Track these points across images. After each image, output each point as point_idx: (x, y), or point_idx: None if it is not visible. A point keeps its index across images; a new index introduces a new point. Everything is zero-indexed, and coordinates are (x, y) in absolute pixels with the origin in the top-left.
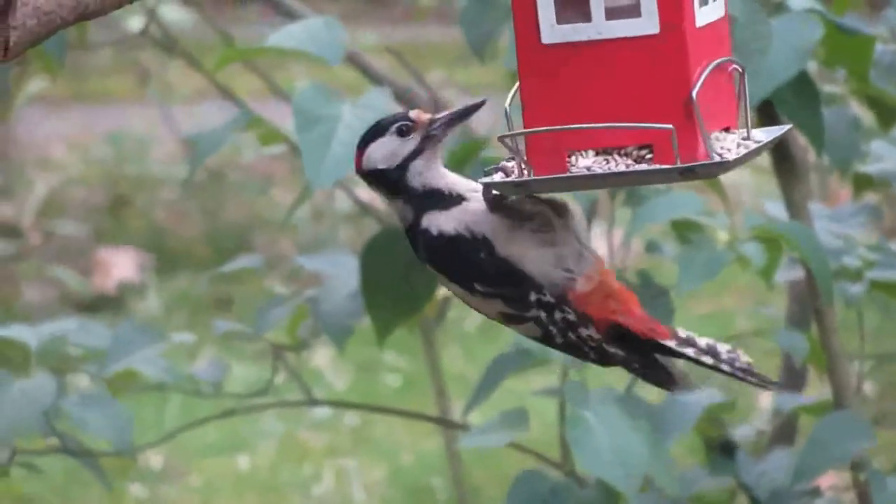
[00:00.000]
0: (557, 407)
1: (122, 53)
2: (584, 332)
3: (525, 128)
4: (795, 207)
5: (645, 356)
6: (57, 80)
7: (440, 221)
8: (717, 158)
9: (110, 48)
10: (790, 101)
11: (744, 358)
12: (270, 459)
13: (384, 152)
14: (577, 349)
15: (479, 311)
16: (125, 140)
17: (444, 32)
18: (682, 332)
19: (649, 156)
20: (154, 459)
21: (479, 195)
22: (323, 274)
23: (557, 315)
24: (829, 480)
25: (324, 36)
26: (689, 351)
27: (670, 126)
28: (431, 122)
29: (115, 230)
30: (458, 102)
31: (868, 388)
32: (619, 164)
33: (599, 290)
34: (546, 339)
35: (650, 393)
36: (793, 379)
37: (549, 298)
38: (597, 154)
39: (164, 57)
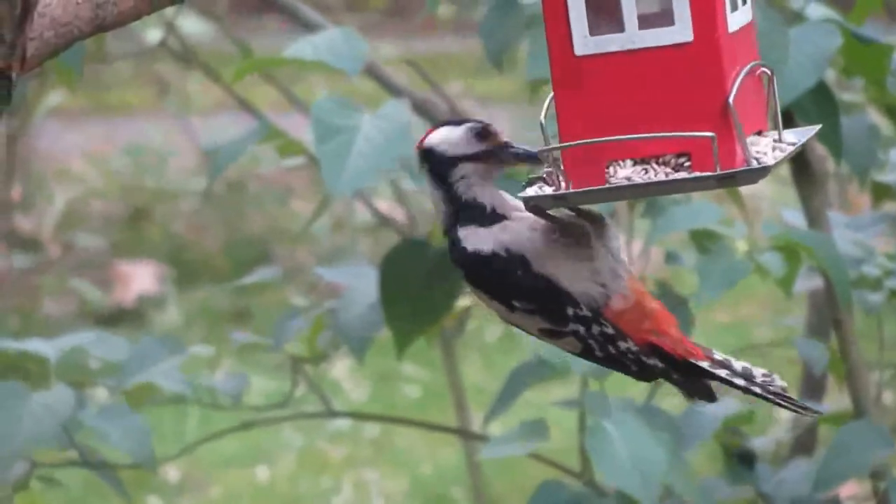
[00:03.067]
0: (577, 417)
1: (140, 66)
2: (622, 345)
3: (561, 139)
4: (814, 216)
5: (684, 371)
6: (76, 93)
7: (477, 239)
8: (755, 164)
9: (129, 60)
10: (809, 109)
11: (779, 382)
12: (290, 471)
13: (448, 137)
14: (619, 363)
15: (520, 329)
16: (144, 152)
17: (462, 43)
18: (719, 355)
19: (687, 163)
20: (172, 472)
21: (522, 215)
22: (342, 285)
23: (595, 329)
24: (849, 490)
25: (342, 47)
26: (723, 373)
27: (711, 133)
28: (506, 143)
29: (135, 243)
30: (476, 113)
31: (888, 396)
32: (658, 174)
33: (634, 309)
34: (587, 354)
35: (669, 403)
36: (812, 388)
37: (585, 312)
38: (634, 164)
39: (182, 69)
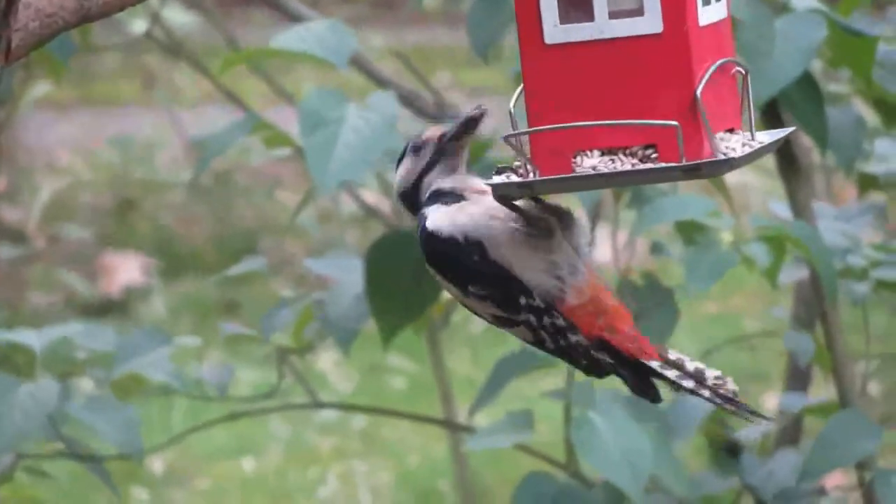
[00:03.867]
0: (563, 409)
1: (128, 57)
2: (572, 338)
3: (529, 128)
4: (800, 207)
5: (633, 369)
6: (63, 85)
7: (438, 218)
8: (723, 157)
9: (117, 52)
10: (795, 101)
11: (730, 386)
12: (277, 463)
13: (402, 173)
14: (569, 356)
15: (475, 313)
16: (131, 144)
17: (451, 35)
18: (672, 354)
19: (654, 155)
20: (159, 464)
21: (482, 197)
22: (329, 277)
23: (546, 320)
24: (834, 480)
25: (330, 39)
26: (671, 374)
27: (675, 123)
28: (442, 136)
29: (122, 234)
30: (465, 104)
31: (874, 388)
32: (624, 164)
33: (589, 305)
34: (538, 344)
35: None
36: (798, 380)
37: (538, 303)
38: (602, 154)
39: (170, 61)
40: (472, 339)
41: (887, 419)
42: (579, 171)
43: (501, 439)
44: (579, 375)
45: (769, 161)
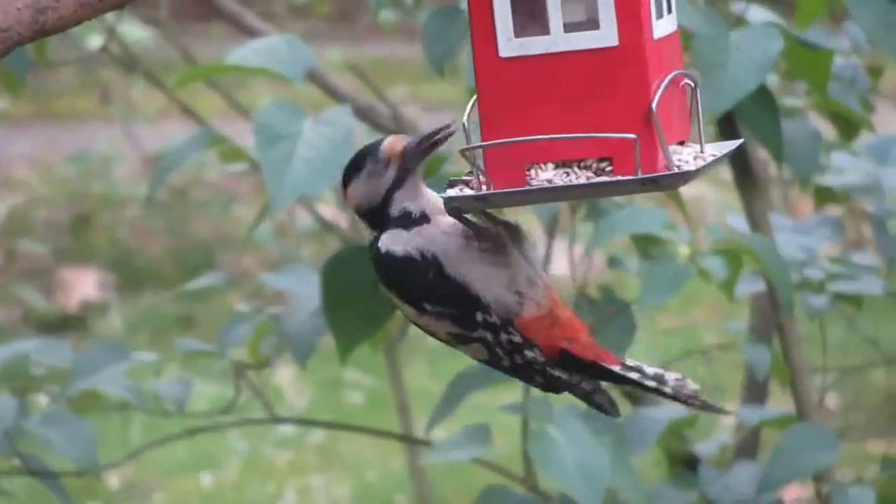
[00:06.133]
0: (521, 422)
1: (85, 72)
2: (529, 354)
3: (483, 141)
4: (757, 220)
5: (590, 381)
6: (19, 99)
7: (392, 241)
8: (677, 170)
9: (74, 67)
10: (751, 113)
11: (691, 386)
12: (235, 477)
13: (364, 191)
14: (524, 372)
15: (429, 332)
16: (89, 159)
17: (408, 49)
18: (631, 362)
19: (609, 168)
20: (116, 479)
21: (444, 219)
22: (286, 291)
23: (503, 336)
24: (792, 493)
25: (285, 53)
26: (634, 375)
27: (633, 135)
28: (405, 151)
29: (79, 249)
30: (422, 119)
31: (831, 400)
32: (579, 177)
33: (547, 318)
34: (493, 362)
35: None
36: (755, 392)
37: (494, 319)
38: (556, 167)
39: (127, 76)
40: (430, 352)
41: (845, 431)
42: (535, 183)
43: (459, 453)
44: (537, 390)
45: (726, 174)
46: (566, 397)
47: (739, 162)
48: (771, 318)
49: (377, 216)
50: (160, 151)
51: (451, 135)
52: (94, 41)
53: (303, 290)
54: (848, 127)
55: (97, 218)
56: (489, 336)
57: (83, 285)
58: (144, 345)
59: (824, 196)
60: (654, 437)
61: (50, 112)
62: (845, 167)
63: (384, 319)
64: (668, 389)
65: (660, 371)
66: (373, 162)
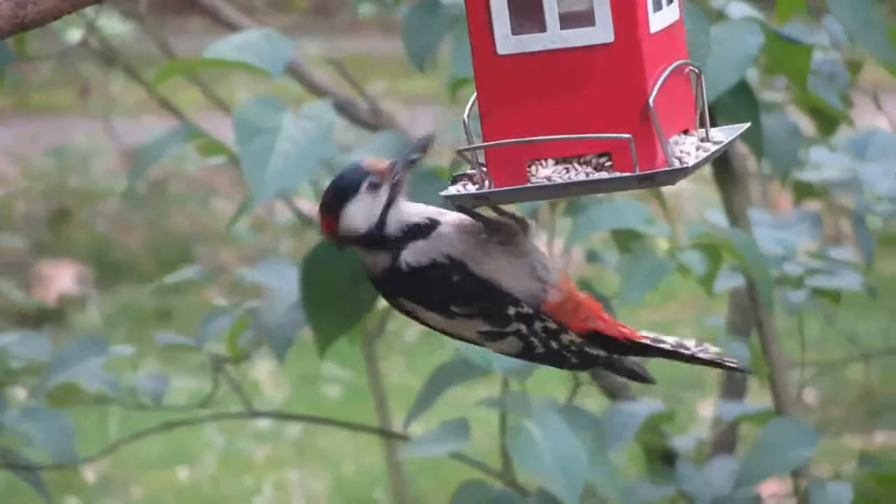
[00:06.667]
0: (499, 417)
1: (64, 66)
2: (565, 337)
3: (484, 138)
4: (736, 215)
5: (626, 351)
6: None
7: (415, 254)
8: (677, 164)
9: (52, 61)
10: (731, 108)
11: (712, 349)
12: (212, 471)
13: (363, 214)
14: (558, 357)
15: (459, 336)
16: (67, 153)
17: (387, 44)
18: (650, 334)
19: (609, 163)
20: (93, 473)
21: (449, 218)
22: (264, 285)
23: (537, 325)
24: (770, 488)
25: (265, 48)
26: (665, 345)
27: (628, 135)
28: (392, 168)
29: (57, 243)
30: (401, 113)
31: (810, 395)
32: (578, 173)
33: (569, 300)
34: (526, 352)
35: (591, 403)
36: (734, 387)
37: (527, 310)
38: (556, 163)
39: (106, 69)
40: (408, 347)
41: (823, 427)
42: (535, 181)
43: (437, 448)
44: (514, 384)
45: (705, 168)
46: (543, 389)
47: (719, 157)
48: (749, 313)
49: (371, 239)
50: (139, 145)
51: (429, 143)
52: (74, 35)
53: (281, 284)
54: (827, 122)
55: (75, 212)
56: (524, 328)
57: (61, 279)
58: (122, 338)
59: (803, 191)
60: (632, 431)
61: (28, 106)
62: (824, 162)
63: (362, 313)
64: (702, 355)
65: (679, 339)
66: (368, 183)
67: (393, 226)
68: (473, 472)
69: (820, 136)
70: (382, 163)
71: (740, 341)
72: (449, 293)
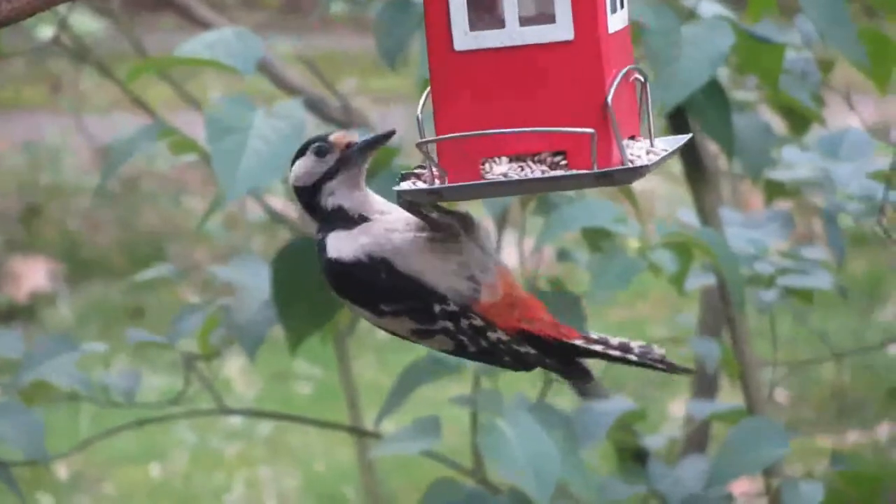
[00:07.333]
0: (470, 415)
1: (35, 62)
2: (492, 335)
3: (437, 135)
4: (707, 214)
5: (558, 355)
6: None
7: (339, 245)
8: (631, 164)
9: (23, 57)
10: (702, 107)
11: (657, 350)
12: (183, 469)
13: (302, 171)
14: (492, 355)
15: (392, 332)
16: (38, 149)
17: (358, 41)
18: (594, 335)
19: (563, 162)
20: (65, 469)
21: (385, 217)
22: (235, 283)
23: (464, 323)
24: (742, 487)
25: (236, 46)
26: (598, 347)
27: (591, 130)
28: (349, 145)
29: (28, 240)
30: (372, 110)
31: (781, 394)
32: (534, 171)
33: (504, 301)
34: (459, 350)
35: (563, 401)
36: (705, 386)
37: (453, 308)
38: (511, 161)
39: (76, 66)
40: (379, 345)
41: (794, 426)
42: (490, 177)
43: (409, 446)
44: (486, 382)
45: (676, 167)
46: (516, 387)
47: (690, 156)
48: (721, 312)
49: (311, 202)
50: (110, 142)
51: (388, 137)
52: (46, 32)
53: (252, 281)
54: (799, 121)
55: (47, 208)
56: (450, 325)
57: (33, 276)
58: (94, 335)
59: (775, 190)
60: (604, 430)
61: None
62: (796, 161)
63: (334, 311)
64: (633, 357)
65: (624, 341)
66: (316, 147)
67: (327, 197)
68: (445, 469)
69: (792, 135)
70: (347, 140)
71: (711, 340)
72: (376, 291)
